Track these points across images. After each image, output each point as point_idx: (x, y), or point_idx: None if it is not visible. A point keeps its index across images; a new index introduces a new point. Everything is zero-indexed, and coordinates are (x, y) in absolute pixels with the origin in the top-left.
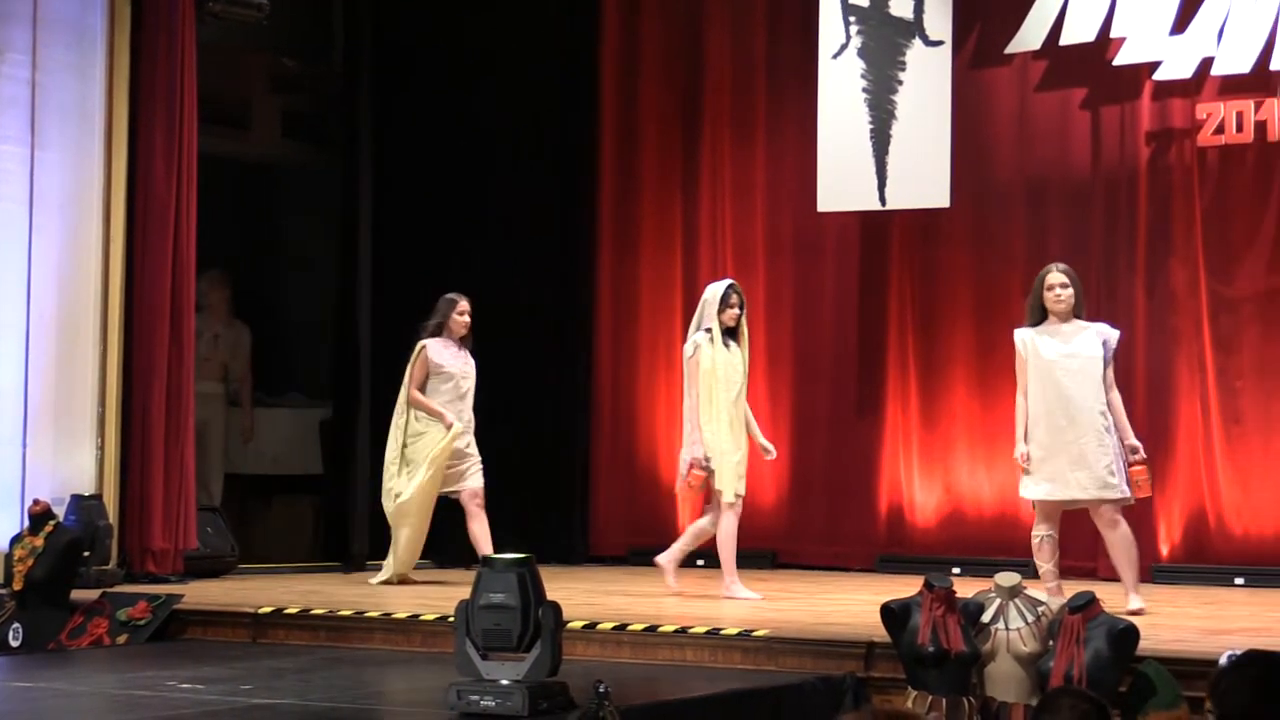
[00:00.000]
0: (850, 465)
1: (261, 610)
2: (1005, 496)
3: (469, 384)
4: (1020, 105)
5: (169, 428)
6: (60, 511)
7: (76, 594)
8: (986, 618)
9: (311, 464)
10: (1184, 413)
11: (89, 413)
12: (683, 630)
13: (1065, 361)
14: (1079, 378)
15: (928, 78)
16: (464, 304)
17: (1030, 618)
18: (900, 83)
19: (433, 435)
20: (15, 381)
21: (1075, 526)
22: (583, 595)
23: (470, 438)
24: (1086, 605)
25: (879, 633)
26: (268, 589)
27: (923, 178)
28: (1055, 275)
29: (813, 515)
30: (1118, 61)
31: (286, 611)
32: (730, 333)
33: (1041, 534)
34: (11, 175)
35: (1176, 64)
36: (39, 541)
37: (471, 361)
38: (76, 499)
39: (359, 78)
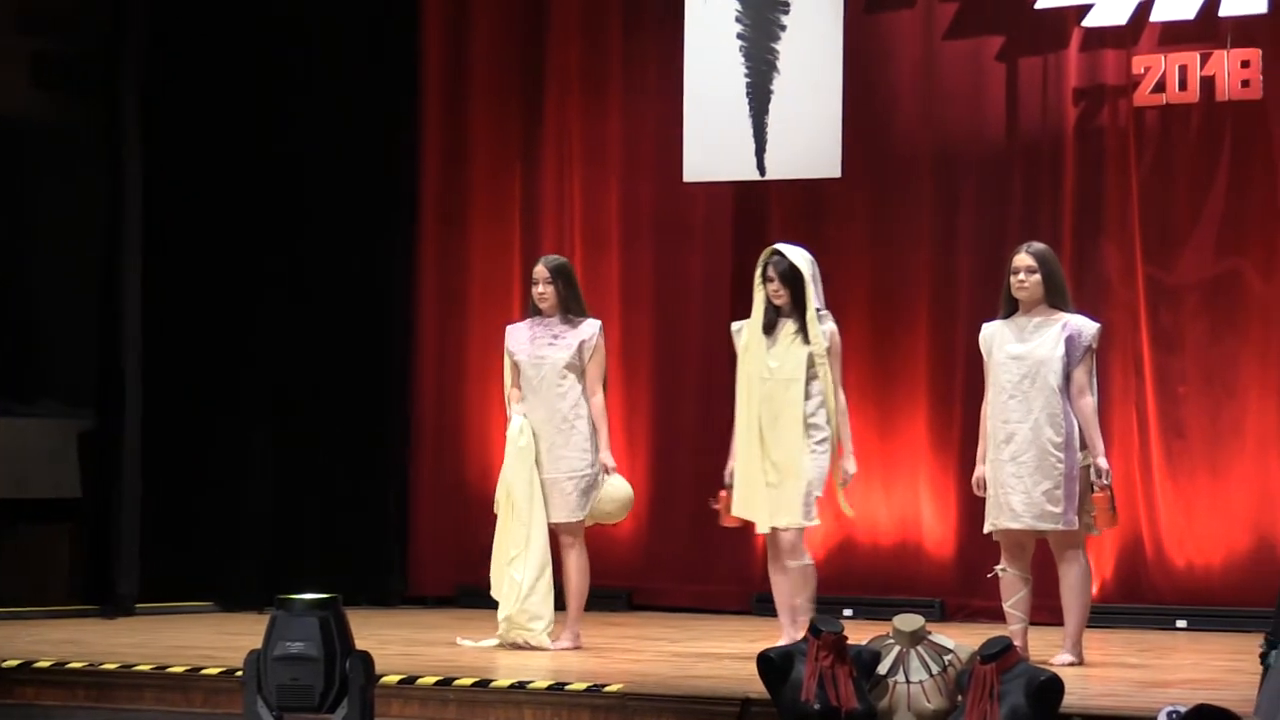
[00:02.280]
0: (720, 488)
1: (6, 664)
2: (906, 524)
3: None
4: (925, 56)
5: None
6: None
7: None
8: (884, 669)
9: (67, 486)
10: (1117, 423)
11: None
12: (520, 685)
13: (1012, 364)
14: (1025, 384)
15: (815, 22)
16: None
17: (935, 669)
18: (783, 28)
19: None
20: None
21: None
22: (400, 644)
23: None
24: (1001, 654)
25: (756, 686)
26: (13, 638)
27: (809, 143)
28: (1021, 257)
29: (675, 548)
30: (1041, 4)
31: (37, 665)
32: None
33: (998, 567)
34: None
35: (1109, 8)
36: None
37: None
38: None
39: (128, 14)
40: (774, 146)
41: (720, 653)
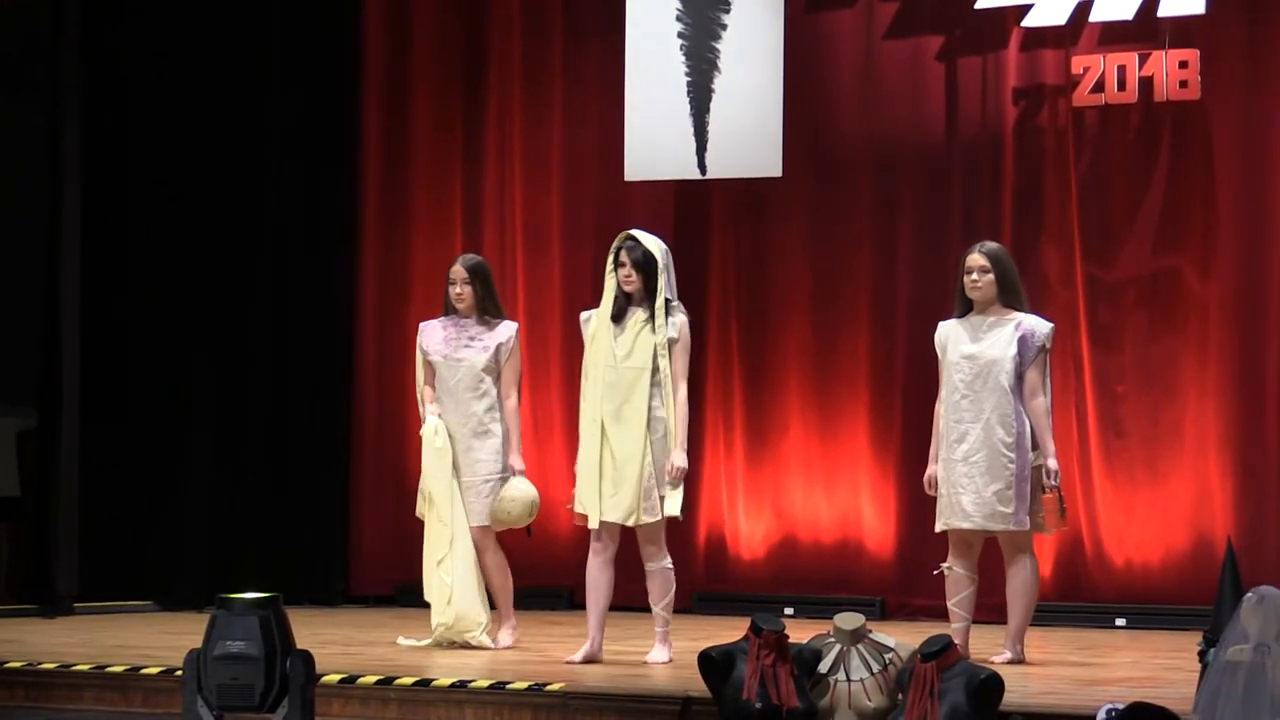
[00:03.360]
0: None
1: None
2: (847, 522)
3: None
4: (866, 56)
5: None
6: None
7: None
8: (824, 667)
9: (5, 484)
10: (1057, 422)
11: None
12: (461, 684)
13: (964, 364)
14: (978, 383)
15: (757, 21)
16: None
17: (876, 667)
18: (724, 27)
19: None
20: None
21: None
22: (340, 643)
23: None
24: (941, 651)
25: (696, 685)
26: None
27: (750, 142)
28: (974, 257)
29: (616, 546)
30: (980, 4)
31: None
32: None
33: (945, 565)
34: None
35: (1049, 8)
36: None
37: None
38: None
39: (66, 12)
40: (715, 145)
41: None
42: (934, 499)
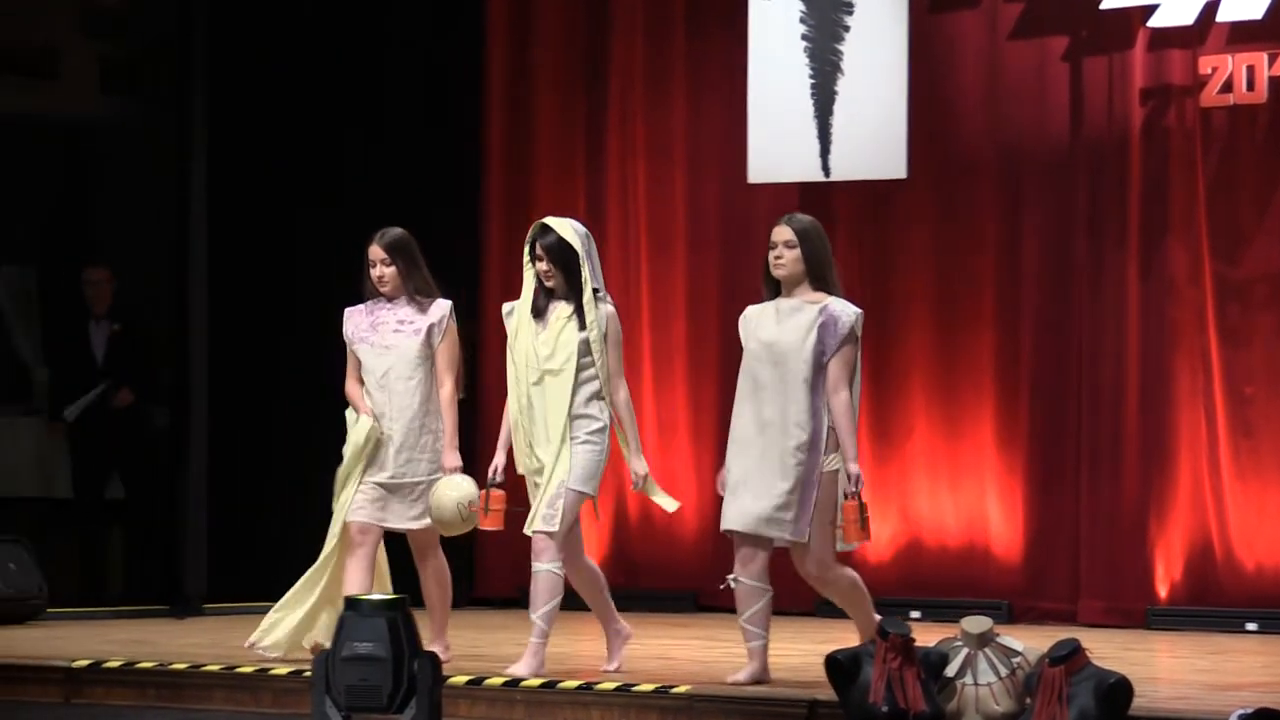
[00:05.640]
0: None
1: (76, 664)
2: (973, 525)
3: None
4: (990, 57)
5: None
6: None
7: None
8: (951, 671)
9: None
10: (1184, 423)
11: None
12: (587, 686)
13: (762, 352)
14: (777, 374)
15: (880, 23)
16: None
17: (1004, 671)
18: (847, 29)
19: None
20: None
21: (1053, 563)
22: (467, 644)
23: None
24: (1070, 656)
25: (823, 689)
26: (84, 638)
27: (874, 143)
28: (779, 229)
29: None
30: (1106, 5)
31: (107, 665)
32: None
33: (730, 578)
34: None
35: (1175, 8)
36: None
37: None
38: None
39: (193, 17)
40: (838, 148)
41: (787, 654)
42: (1064, 502)
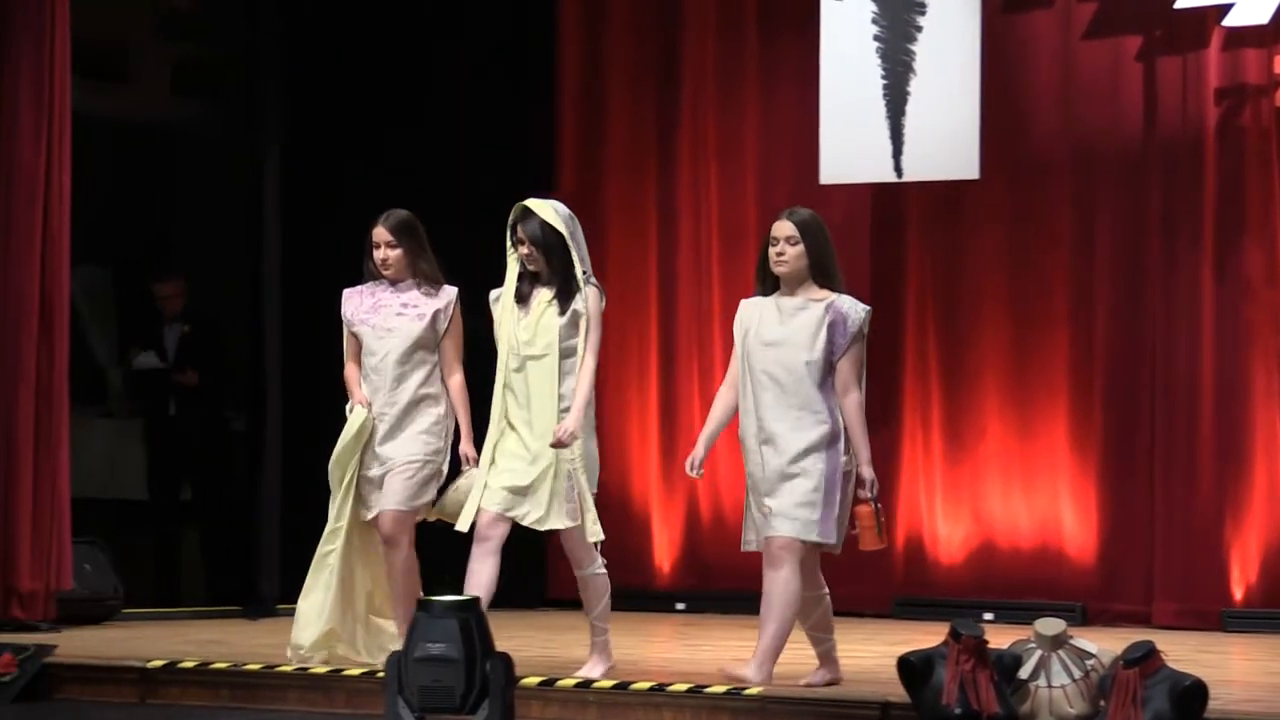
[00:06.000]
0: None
1: (151, 664)
2: (1046, 527)
3: None
4: (1064, 57)
5: (39, 444)
6: None
7: None
8: (1025, 673)
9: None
10: (1260, 423)
11: None
12: (659, 688)
13: (766, 352)
14: (784, 374)
15: (952, 23)
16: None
17: (1077, 673)
18: (919, 29)
19: None
20: None
21: (1127, 565)
22: (539, 645)
23: None
24: (1145, 658)
25: (896, 690)
26: (159, 638)
27: (946, 144)
28: (780, 224)
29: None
30: (1180, 4)
31: (182, 665)
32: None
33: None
34: None
35: (1250, 8)
36: None
37: None
38: None
39: (266, 19)
40: (910, 148)
41: (860, 655)
42: (1137, 503)
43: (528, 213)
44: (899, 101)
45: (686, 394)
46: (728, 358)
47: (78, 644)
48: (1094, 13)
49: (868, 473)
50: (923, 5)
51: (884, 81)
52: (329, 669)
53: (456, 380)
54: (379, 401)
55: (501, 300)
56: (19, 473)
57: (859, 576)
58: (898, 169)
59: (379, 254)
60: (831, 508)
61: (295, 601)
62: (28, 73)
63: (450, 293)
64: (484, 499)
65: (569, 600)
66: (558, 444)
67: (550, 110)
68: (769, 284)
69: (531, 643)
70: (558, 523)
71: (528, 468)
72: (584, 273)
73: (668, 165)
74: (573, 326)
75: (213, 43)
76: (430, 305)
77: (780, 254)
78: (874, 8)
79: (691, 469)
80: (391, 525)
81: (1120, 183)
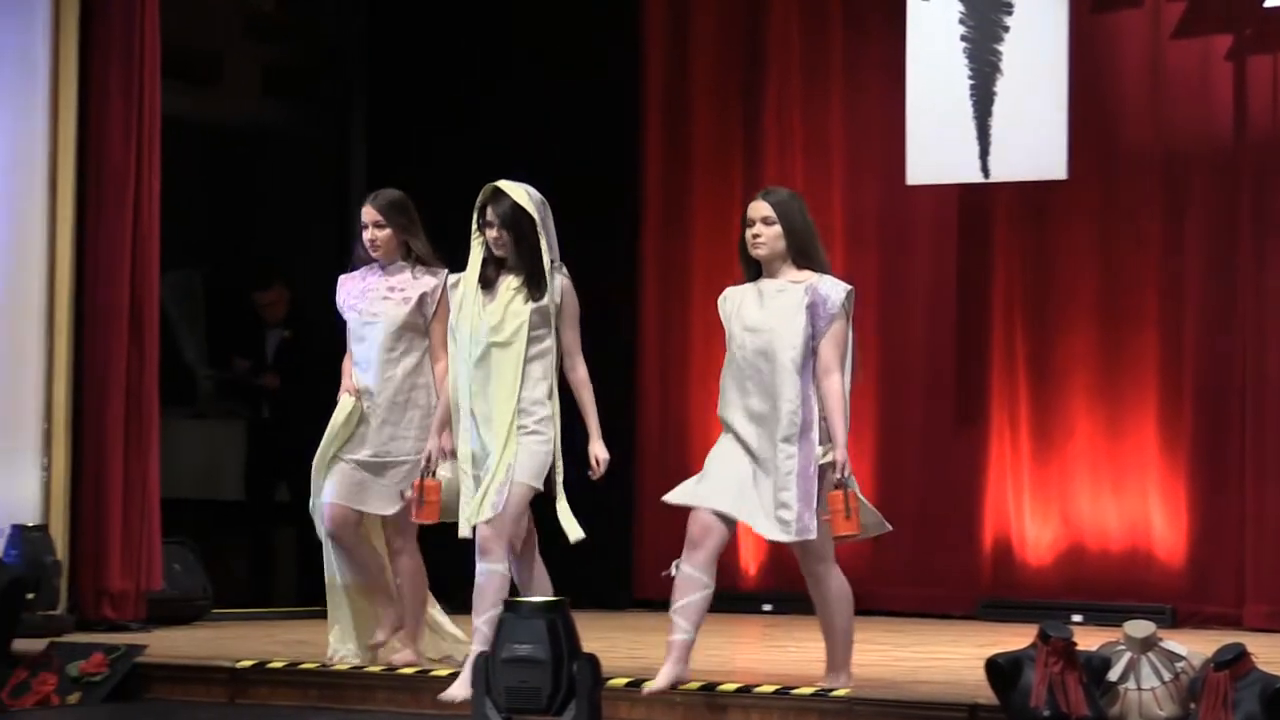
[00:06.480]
0: (947, 491)
1: (241, 664)
2: (1136, 528)
3: None
4: (1153, 56)
5: (129, 445)
6: None
7: (18, 644)
8: (1114, 675)
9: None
10: None
11: (32, 427)
12: (746, 689)
13: (748, 338)
14: (765, 361)
15: (1040, 22)
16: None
17: (1167, 675)
18: (1006, 29)
19: None
20: None
21: (1218, 567)
22: (626, 647)
23: None
24: (1235, 660)
25: (984, 693)
26: (248, 638)
27: (1034, 144)
28: (756, 205)
29: (901, 551)
30: (1270, 3)
31: (271, 666)
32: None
33: (675, 563)
34: None
35: None
36: None
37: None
38: (18, 530)
39: (353, 22)
40: (997, 148)
41: (947, 658)
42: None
43: (499, 194)
44: (986, 102)
45: None
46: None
47: (168, 644)
48: (1183, 12)
49: (841, 456)
50: (1010, 5)
51: (971, 82)
52: (416, 669)
53: (442, 367)
54: (369, 390)
55: (463, 286)
56: (110, 474)
57: (944, 578)
58: (984, 169)
59: (367, 235)
60: (810, 500)
61: None
62: (117, 76)
63: (441, 275)
64: (483, 511)
65: (657, 601)
66: (599, 468)
67: (636, 106)
68: (751, 269)
69: (618, 644)
70: (488, 512)
71: (484, 462)
72: (552, 261)
73: (753, 161)
74: (541, 317)
75: (299, 44)
76: (417, 288)
77: (757, 235)
78: (961, 8)
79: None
80: (394, 532)
81: (1210, 182)
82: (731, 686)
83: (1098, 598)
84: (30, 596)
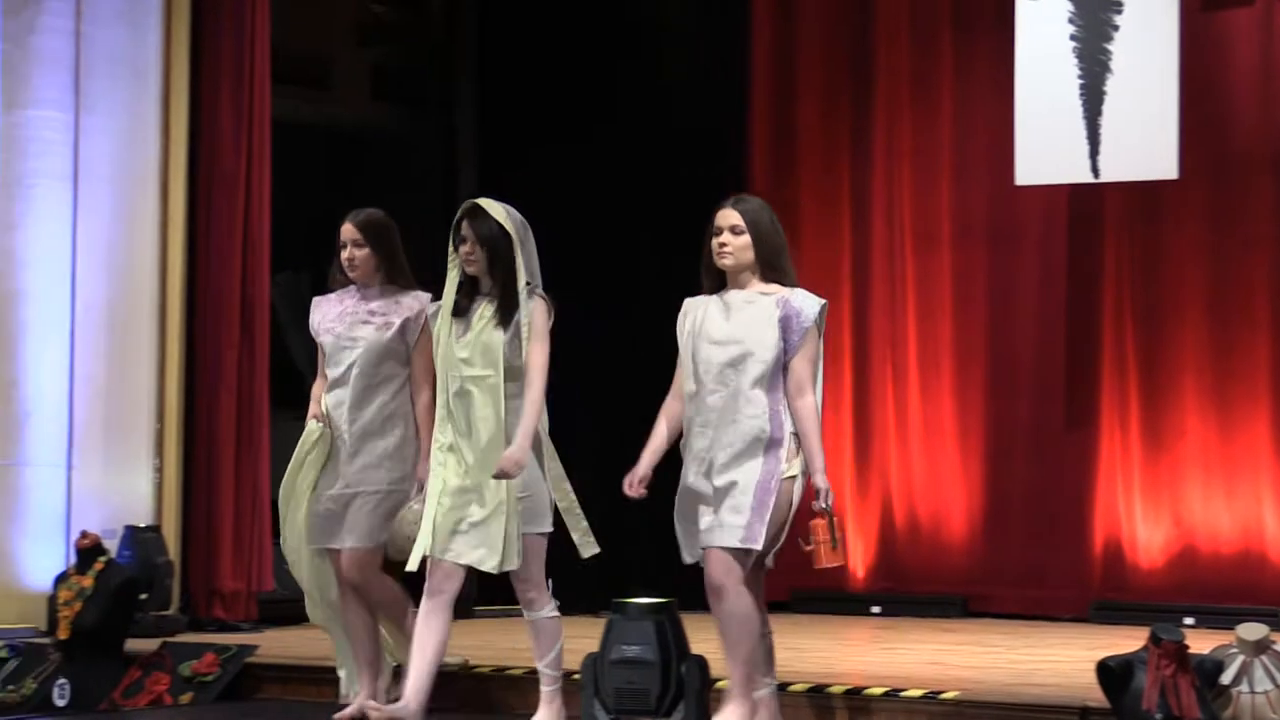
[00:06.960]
0: (1057, 493)
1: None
2: (1248, 530)
3: None
4: (1265, 55)
5: (240, 446)
6: (112, 546)
7: (132, 644)
8: (1227, 678)
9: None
10: None
11: (145, 428)
12: (856, 691)
13: (714, 352)
14: (732, 374)
15: (1150, 22)
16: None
17: None
18: (1116, 28)
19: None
20: (58, 392)
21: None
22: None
23: None
24: None
25: (1095, 695)
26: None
27: (1144, 144)
28: (724, 212)
29: (1011, 553)
30: None
31: None
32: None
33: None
34: (52, 145)
35: None
36: (87, 582)
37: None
38: (131, 531)
39: (461, 26)
40: (1107, 148)
41: (1058, 660)
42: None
43: (477, 210)
44: (1096, 101)
45: (880, 394)
46: (922, 359)
47: (278, 644)
48: None
49: (821, 483)
50: (1120, 4)
51: (1080, 81)
52: (524, 670)
53: (424, 400)
54: (341, 418)
55: (441, 314)
56: (220, 475)
57: (1055, 580)
58: (1095, 169)
59: (345, 253)
60: (762, 512)
61: (493, 603)
62: (228, 80)
63: (423, 299)
64: (434, 546)
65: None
66: (501, 474)
67: (743, 109)
68: (714, 280)
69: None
70: (512, 564)
71: (477, 508)
72: (528, 284)
73: (861, 165)
74: (517, 342)
75: (409, 49)
76: (400, 313)
77: (724, 244)
78: (1070, 7)
79: (630, 488)
80: (352, 566)
81: None
82: (840, 689)
83: (1210, 600)
84: (143, 597)
